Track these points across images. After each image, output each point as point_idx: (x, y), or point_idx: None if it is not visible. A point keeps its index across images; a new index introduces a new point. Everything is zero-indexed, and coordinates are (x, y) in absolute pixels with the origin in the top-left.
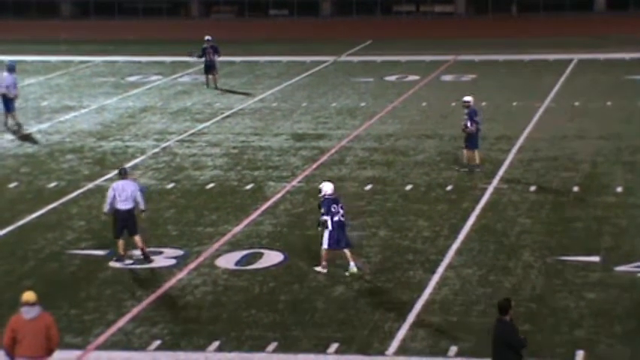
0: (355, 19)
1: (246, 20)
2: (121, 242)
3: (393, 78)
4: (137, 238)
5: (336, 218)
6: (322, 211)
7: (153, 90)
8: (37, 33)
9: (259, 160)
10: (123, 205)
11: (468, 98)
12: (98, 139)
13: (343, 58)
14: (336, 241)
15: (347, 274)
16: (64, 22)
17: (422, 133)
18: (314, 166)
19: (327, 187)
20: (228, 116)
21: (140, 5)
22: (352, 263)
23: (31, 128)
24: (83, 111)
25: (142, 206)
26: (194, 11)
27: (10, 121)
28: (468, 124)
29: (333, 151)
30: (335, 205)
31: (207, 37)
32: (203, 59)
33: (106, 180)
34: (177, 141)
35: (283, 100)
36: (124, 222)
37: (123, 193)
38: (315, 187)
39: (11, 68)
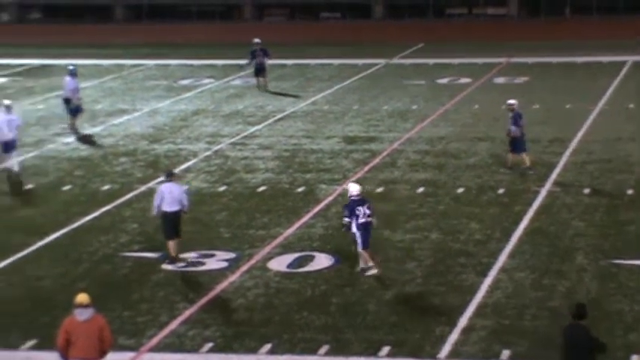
0: (407, 22)
1: (298, 23)
2: (171, 244)
3: (445, 80)
4: (176, 242)
5: (360, 220)
6: (345, 213)
7: (205, 93)
8: (91, 37)
9: (311, 163)
10: (169, 208)
11: (512, 101)
12: (151, 142)
13: (395, 60)
14: (366, 242)
15: (357, 269)
16: (118, 26)
17: (474, 136)
18: (365, 168)
19: (353, 189)
20: (280, 119)
21: (193, 9)
22: (361, 262)
23: (85, 131)
24: (136, 114)
25: (185, 208)
26: (247, 14)
27: (68, 124)
28: (512, 128)
29: (384, 153)
30: (360, 207)
31: (256, 40)
32: (253, 62)
33: (158, 183)
34: (230, 144)
35: (335, 103)
36: (172, 223)
37: (169, 196)
38: (367, 189)
39: (73, 73)
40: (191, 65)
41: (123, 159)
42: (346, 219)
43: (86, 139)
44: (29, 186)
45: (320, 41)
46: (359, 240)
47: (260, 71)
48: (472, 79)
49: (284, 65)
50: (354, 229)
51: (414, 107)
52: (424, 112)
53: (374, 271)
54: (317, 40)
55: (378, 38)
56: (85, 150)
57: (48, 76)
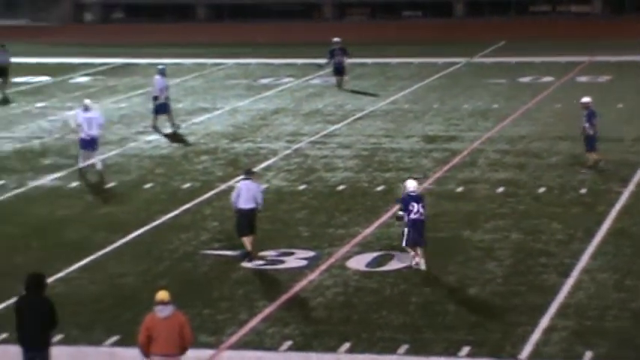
0: (489, 20)
1: (379, 22)
2: (246, 240)
3: (526, 79)
4: (251, 239)
5: (412, 216)
6: (400, 207)
7: (285, 92)
8: (173, 36)
9: (390, 162)
10: (245, 205)
11: (586, 99)
12: (231, 140)
13: (476, 59)
14: (412, 240)
15: (413, 265)
16: (199, 25)
17: (555, 135)
18: (445, 168)
19: (411, 185)
20: (359, 118)
21: (274, 8)
22: (422, 260)
23: (166, 130)
24: (216, 113)
25: (260, 206)
26: (327, 13)
27: (156, 123)
28: (587, 126)
29: (464, 153)
30: (414, 204)
31: (335, 39)
32: (332, 61)
33: (238, 181)
34: (309, 142)
35: (415, 102)
36: (247, 220)
37: (246, 193)
38: (447, 189)
39: (162, 72)
40: (271, 64)
41: (203, 157)
42: (400, 212)
43: (167, 138)
44: (112, 184)
45: (401, 40)
46: (404, 237)
47: (339, 70)
48: (554, 77)
49: (364, 64)
50: (406, 220)
51: (495, 106)
52: (505, 111)
53: (411, 263)
54: (397, 39)
55: (459, 36)
56: (166, 148)
57: (130, 75)
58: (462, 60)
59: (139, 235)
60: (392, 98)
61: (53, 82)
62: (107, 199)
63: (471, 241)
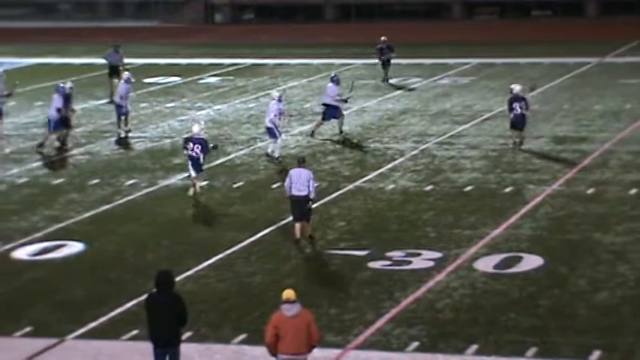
0: (621, 19)
1: (508, 21)
2: (297, 226)
3: None
4: (302, 225)
5: (188, 152)
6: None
7: (412, 92)
8: (301, 36)
9: (519, 163)
10: (297, 192)
11: None
12: (358, 140)
13: (608, 59)
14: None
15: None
16: (328, 26)
17: None
18: (575, 169)
19: (195, 128)
20: (487, 119)
21: (401, 8)
22: (194, 189)
23: (294, 130)
24: (344, 113)
25: (311, 195)
26: (456, 13)
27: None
28: None
29: (595, 154)
30: (190, 144)
31: (382, 38)
32: (382, 58)
33: (365, 182)
34: (436, 143)
35: (544, 102)
36: (299, 206)
37: (298, 180)
38: (577, 190)
39: (334, 80)
40: (399, 64)
41: (331, 157)
42: (184, 151)
43: (294, 138)
44: (240, 183)
45: (530, 39)
46: (190, 167)
47: (385, 65)
48: None
49: (493, 64)
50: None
51: (628, 106)
52: (638, 112)
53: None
54: (527, 39)
55: (591, 36)
56: (293, 148)
57: (259, 76)
58: (594, 60)
59: (266, 235)
60: None
61: (183, 82)
62: (235, 199)
63: (601, 243)
